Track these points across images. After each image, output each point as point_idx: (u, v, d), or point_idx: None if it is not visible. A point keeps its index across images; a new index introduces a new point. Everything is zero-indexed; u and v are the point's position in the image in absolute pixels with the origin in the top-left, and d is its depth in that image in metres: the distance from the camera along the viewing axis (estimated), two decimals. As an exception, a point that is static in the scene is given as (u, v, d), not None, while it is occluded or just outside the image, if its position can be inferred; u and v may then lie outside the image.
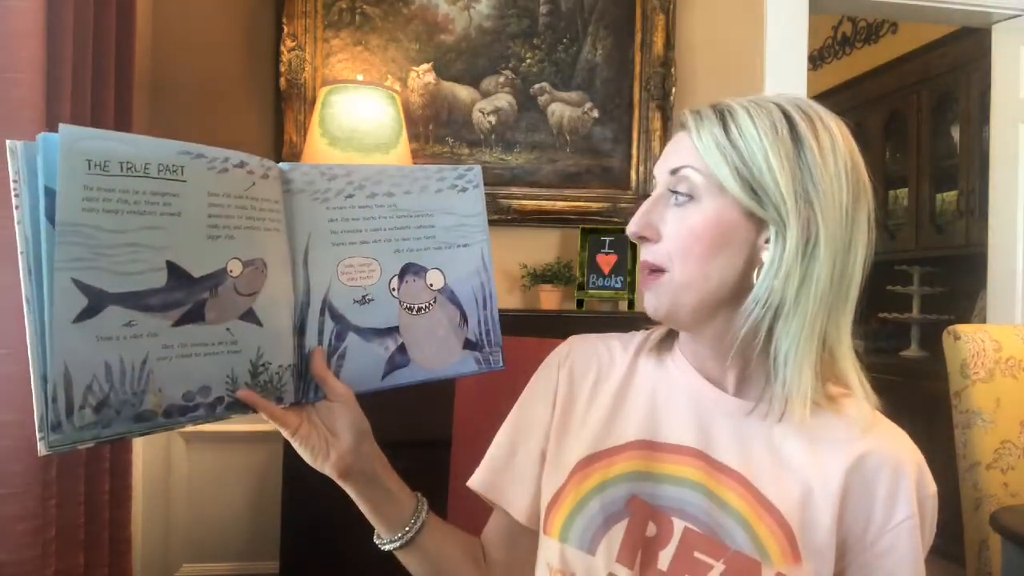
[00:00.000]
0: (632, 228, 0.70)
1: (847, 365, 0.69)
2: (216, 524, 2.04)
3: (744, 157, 0.66)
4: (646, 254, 0.71)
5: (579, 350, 0.80)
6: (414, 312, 0.73)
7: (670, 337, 0.79)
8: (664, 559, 0.67)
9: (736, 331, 0.68)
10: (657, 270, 0.70)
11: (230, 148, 0.63)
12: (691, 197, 0.68)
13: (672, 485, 0.69)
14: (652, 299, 0.71)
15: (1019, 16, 2.45)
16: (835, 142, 0.67)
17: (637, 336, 0.81)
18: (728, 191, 0.66)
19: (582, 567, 0.68)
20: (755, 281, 0.67)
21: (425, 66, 2.10)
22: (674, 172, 0.69)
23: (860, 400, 0.69)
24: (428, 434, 1.21)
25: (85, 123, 1.36)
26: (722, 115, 0.68)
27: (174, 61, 2.02)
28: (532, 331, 1.08)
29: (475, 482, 0.80)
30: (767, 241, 0.66)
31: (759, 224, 0.67)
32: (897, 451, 0.69)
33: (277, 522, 1.73)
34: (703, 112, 0.69)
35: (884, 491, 0.67)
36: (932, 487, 0.69)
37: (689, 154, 0.69)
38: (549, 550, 0.71)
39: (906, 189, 3.38)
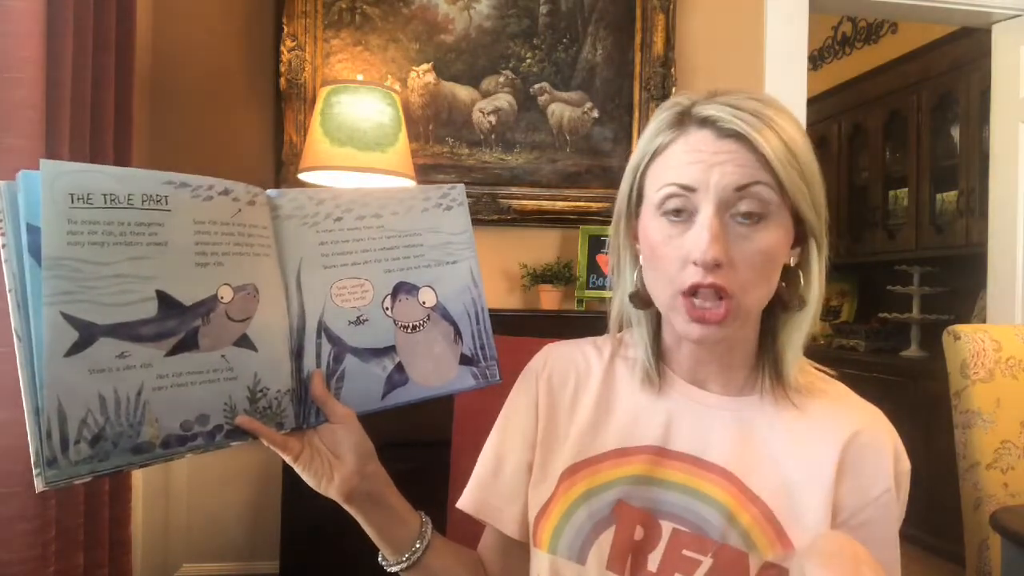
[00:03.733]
0: (709, 255, 0.61)
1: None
2: (216, 524, 2.04)
3: (805, 171, 0.64)
4: (717, 278, 0.62)
5: (555, 359, 0.80)
6: (409, 330, 0.73)
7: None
8: (653, 561, 0.67)
9: (748, 336, 0.71)
10: (719, 298, 0.63)
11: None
12: (762, 217, 0.63)
13: (657, 487, 0.69)
14: (713, 332, 0.64)
15: (1019, 16, 2.45)
16: None
17: (610, 339, 0.80)
18: (798, 209, 0.64)
19: None
20: (800, 291, 0.68)
21: (425, 66, 2.10)
22: (742, 189, 0.62)
23: (835, 382, 0.73)
24: (428, 434, 1.21)
25: (85, 124, 1.36)
26: (763, 119, 0.63)
27: (174, 61, 2.02)
28: (532, 331, 1.08)
29: (464, 503, 0.79)
30: (792, 247, 0.68)
31: (798, 234, 0.67)
32: (878, 429, 0.70)
33: (277, 522, 1.74)
34: (742, 116, 0.62)
35: (869, 468, 0.68)
36: (906, 463, 0.70)
37: (754, 169, 0.62)
38: (539, 563, 0.71)
39: (906, 189, 3.37)
